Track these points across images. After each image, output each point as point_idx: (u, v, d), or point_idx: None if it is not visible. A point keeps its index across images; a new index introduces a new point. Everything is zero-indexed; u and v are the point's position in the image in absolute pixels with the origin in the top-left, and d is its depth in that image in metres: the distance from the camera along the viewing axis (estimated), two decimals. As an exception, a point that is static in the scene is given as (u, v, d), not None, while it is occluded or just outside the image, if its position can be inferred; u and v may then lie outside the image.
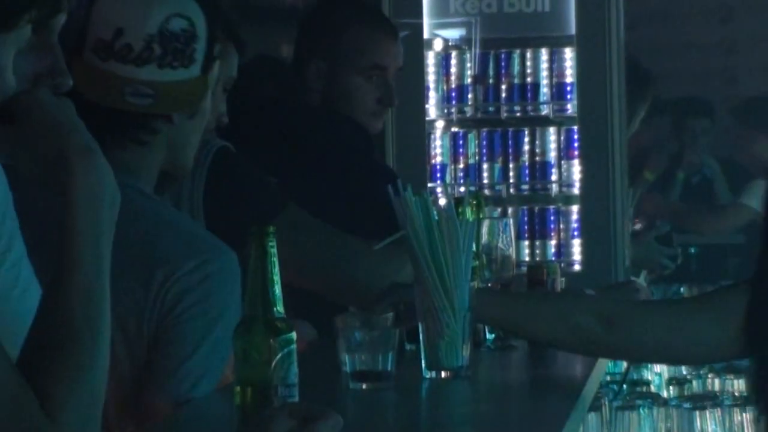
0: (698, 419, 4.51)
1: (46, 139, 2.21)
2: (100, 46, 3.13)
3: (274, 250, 2.69)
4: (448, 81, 6.02)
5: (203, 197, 4.05)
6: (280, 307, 2.67)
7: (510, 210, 5.52)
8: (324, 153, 4.82)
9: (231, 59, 4.78)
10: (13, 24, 2.16)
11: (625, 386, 4.72)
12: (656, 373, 5.33)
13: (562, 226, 5.81)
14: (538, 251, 5.75)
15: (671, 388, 5.22)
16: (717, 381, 5.38)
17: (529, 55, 5.97)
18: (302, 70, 5.09)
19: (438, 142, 6.04)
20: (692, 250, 8.99)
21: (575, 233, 5.86)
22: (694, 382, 5.29)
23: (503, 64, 5.98)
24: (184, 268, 3.29)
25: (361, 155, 4.90)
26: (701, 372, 5.47)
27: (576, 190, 5.90)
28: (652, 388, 5.03)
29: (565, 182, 5.92)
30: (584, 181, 5.86)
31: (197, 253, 3.29)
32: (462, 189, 5.83)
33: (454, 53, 6.01)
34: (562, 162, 5.94)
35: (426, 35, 6.00)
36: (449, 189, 5.83)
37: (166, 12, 3.43)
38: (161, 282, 3.24)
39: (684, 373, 5.54)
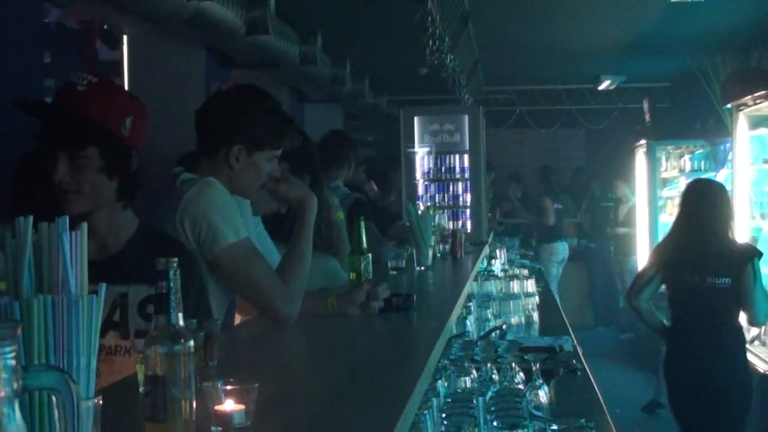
0: (510, 284, 4.03)
1: (296, 189, 2.06)
2: None
3: (363, 224, 2.48)
4: (423, 166, 5.74)
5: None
6: (365, 245, 2.43)
7: (446, 211, 5.28)
8: None
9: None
10: (262, 149, 1.96)
11: (487, 272, 4.36)
12: (497, 268, 4.83)
13: (464, 216, 5.63)
14: (455, 225, 5.46)
15: (480, 275, 4.48)
16: (519, 270, 4.95)
17: (452, 157, 5.67)
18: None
19: (420, 187, 5.75)
20: (510, 224, 8.72)
21: (469, 219, 5.63)
22: (509, 270, 4.84)
23: (444, 160, 5.70)
24: None
25: None
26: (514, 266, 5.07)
27: (469, 203, 5.63)
28: (496, 272, 4.54)
29: (464, 201, 5.66)
30: (472, 201, 5.61)
31: None
32: (429, 204, 5.51)
33: (425, 156, 5.72)
34: (465, 194, 5.68)
35: (416, 149, 5.71)
36: (424, 204, 5.54)
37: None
38: None
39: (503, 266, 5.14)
